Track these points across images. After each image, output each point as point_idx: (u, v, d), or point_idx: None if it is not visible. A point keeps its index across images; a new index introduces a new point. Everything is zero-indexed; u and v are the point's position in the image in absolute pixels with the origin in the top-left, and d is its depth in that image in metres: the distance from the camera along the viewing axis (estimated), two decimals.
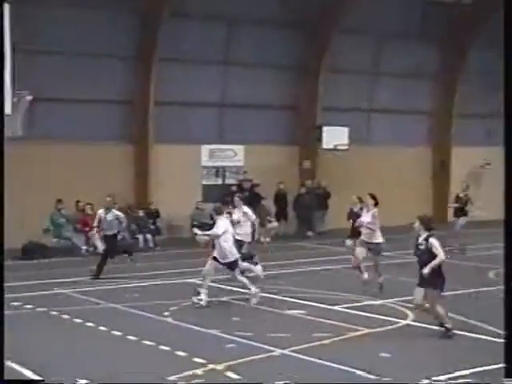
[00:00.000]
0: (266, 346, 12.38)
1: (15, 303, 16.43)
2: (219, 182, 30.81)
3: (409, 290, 13.62)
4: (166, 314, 15.24)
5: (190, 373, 10.99)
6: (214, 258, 16.19)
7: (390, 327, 13.92)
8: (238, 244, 17.57)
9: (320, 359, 11.52)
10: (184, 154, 29.16)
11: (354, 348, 12.37)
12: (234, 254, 16.23)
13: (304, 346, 12.36)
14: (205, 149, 30.33)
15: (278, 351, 12.12)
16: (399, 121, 33.84)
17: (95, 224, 20.88)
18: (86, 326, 14.28)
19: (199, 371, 11.08)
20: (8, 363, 11.40)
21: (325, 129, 31.02)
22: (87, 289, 18.29)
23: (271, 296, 16.99)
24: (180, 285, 18.80)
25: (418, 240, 12.92)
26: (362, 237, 17.20)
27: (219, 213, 16.75)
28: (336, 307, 15.70)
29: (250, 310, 15.78)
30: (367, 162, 32.24)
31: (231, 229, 16.59)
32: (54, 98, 26.42)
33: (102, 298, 16.99)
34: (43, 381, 7.75)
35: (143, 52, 28.14)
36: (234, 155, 30.94)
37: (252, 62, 30.26)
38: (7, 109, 13.08)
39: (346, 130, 31.18)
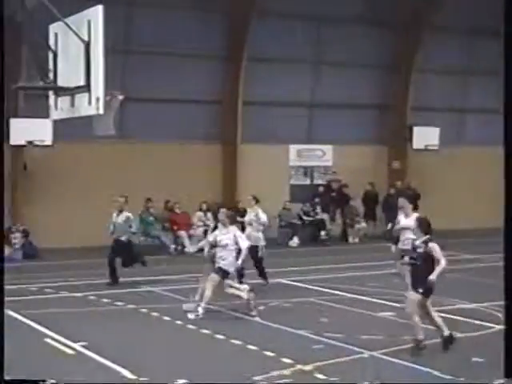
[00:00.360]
0: (355, 348, 12.26)
1: (105, 300, 16.69)
2: (307, 181, 30.72)
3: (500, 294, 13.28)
4: (254, 313, 15.22)
5: (278, 373, 10.95)
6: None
7: (483, 332, 13.63)
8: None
9: (410, 362, 11.35)
10: (272, 154, 29.15)
11: (445, 352, 12.13)
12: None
13: (394, 348, 12.20)
14: (293, 148, 30.28)
15: (367, 353, 11.99)
16: (492, 120, 33.14)
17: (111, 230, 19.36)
18: (175, 324, 14.38)
19: (287, 371, 11.04)
20: (104, 361, 11.62)
21: (415, 129, 30.63)
22: (175, 287, 18.40)
23: (360, 297, 16.83)
24: (268, 284, 18.74)
25: (414, 243, 12.48)
26: None
27: (232, 222, 15.75)
28: None
29: (339, 311, 15.65)
30: (459, 162, 31.68)
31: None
32: (144, 98, 26.72)
33: (189, 297, 17.01)
34: (44, 381, 7.80)
35: (232, 52, 28.24)
36: (322, 155, 30.80)
37: (341, 61, 30.05)
38: (100, 108, 13.27)
39: (436, 130, 30.72)
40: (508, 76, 6.14)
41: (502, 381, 7.40)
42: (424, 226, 12.36)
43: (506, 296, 6.82)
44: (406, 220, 15.44)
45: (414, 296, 11.98)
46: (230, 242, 15.18)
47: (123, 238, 19.10)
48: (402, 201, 15.81)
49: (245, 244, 15.34)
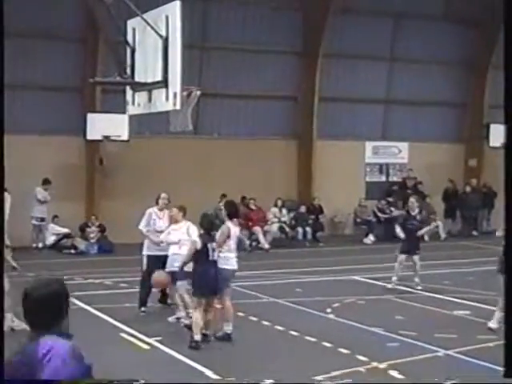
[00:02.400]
0: (430, 346, 12.13)
1: None
2: (383, 178, 30.47)
3: None
4: (329, 310, 15.17)
5: (353, 370, 10.89)
6: None
7: None
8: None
9: (485, 361, 11.17)
10: (348, 150, 29.00)
11: None
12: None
13: (469, 347, 12.05)
14: (369, 145, 30.08)
15: (442, 352, 11.84)
16: None
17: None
18: (249, 320, 14.39)
19: (362, 369, 10.98)
20: (180, 356, 11.68)
21: (492, 126, 30.10)
22: (250, 283, 18.40)
23: (436, 296, 16.63)
24: (342, 281, 18.68)
25: None
26: None
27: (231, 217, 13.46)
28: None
29: (414, 309, 15.49)
30: None
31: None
32: (221, 94, 26.85)
33: (264, 293, 17.07)
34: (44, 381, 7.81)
35: (309, 48, 28.15)
36: (398, 152, 30.53)
37: (418, 58, 29.72)
38: (177, 104, 13.33)
39: None
40: (508, 75, 5.94)
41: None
42: None
43: (506, 295, 6.64)
44: None
45: None
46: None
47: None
48: None
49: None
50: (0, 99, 5.06)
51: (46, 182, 24.16)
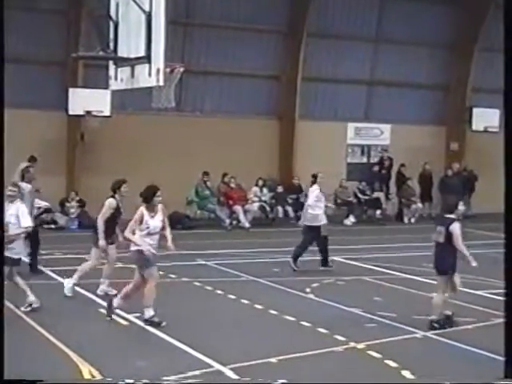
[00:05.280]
0: (408, 328, 12.20)
1: (159, 272, 16.73)
2: (364, 160, 30.49)
3: None
4: (308, 290, 15.20)
5: (331, 350, 10.93)
6: None
7: None
8: None
9: (462, 344, 11.24)
10: (330, 131, 28.97)
11: (498, 335, 11.96)
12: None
13: (448, 330, 12.08)
14: (351, 126, 30.06)
15: (420, 333, 11.91)
16: None
17: None
18: (228, 299, 14.39)
19: (340, 348, 11.03)
20: (157, 332, 11.67)
21: (475, 110, 30.17)
22: (229, 261, 18.43)
23: (415, 278, 16.68)
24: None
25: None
26: None
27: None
28: (480, 292, 15.24)
29: (394, 291, 15.53)
30: None
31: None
32: (203, 71, 26.75)
33: (244, 271, 17.07)
34: (42, 381, 7.83)
35: (293, 27, 28.04)
36: (380, 134, 30.53)
37: (402, 40, 29.65)
38: (160, 80, 13.26)
39: (497, 112, 30.18)
40: (508, 74, 5.91)
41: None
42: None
43: (506, 294, 6.69)
44: None
45: None
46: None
47: None
48: None
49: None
50: (0, 98, 4.99)
51: (32, 159, 24.02)
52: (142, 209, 12.65)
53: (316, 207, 17.84)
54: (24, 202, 13.26)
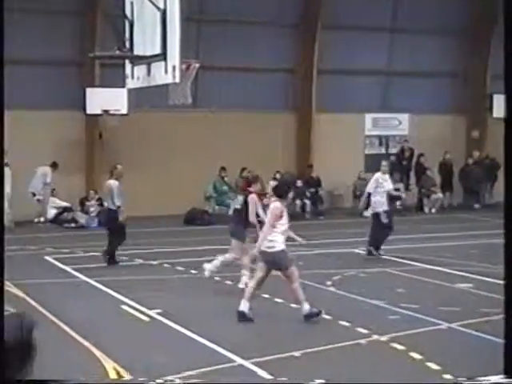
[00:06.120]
0: (432, 319, 12.11)
1: (179, 267, 16.79)
2: (382, 151, 30.36)
3: None
4: (329, 283, 15.16)
5: (354, 343, 10.89)
6: None
7: None
8: None
9: (488, 334, 11.16)
10: (347, 123, 28.86)
11: None
12: None
13: (471, 320, 12.01)
14: (368, 117, 29.95)
15: (445, 325, 11.82)
16: None
17: None
18: None
19: (363, 341, 10.98)
20: (180, 328, 11.68)
21: (495, 97, 29.88)
22: None
23: (438, 268, 16.60)
24: (343, 254, 18.64)
25: None
26: None
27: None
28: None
29: (416, 282, 15.45)
30: None
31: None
32: (219, 67, 26.70)
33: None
34: (43, 381, 7.82)
35: (307, 19, 27.95)
36: (398, 124, 30.40)
37: (418, 29, 29.43)
38: (176, 77, 13.27)
39: None
40: (508, 72, 5.84)
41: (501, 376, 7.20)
42: None
43: (505, 294, 6.62)
44: None
45: None
46: None
47: None
48: None
49: None
50: (0, 97, 4.99)
51: (54, 165, 24.33)
52: (279, 204, 12.19)
53: (376, 194, 17.87)
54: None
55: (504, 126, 7.19)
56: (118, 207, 17.14)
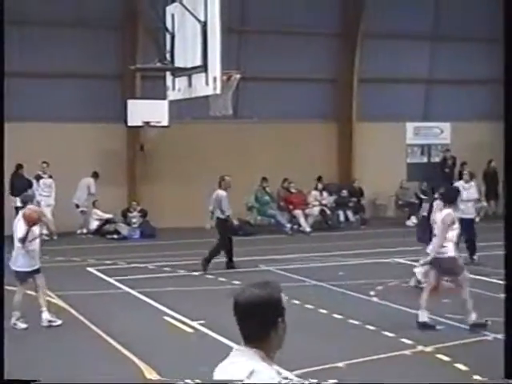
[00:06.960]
0: (478, 330, 11.96)
1: (222, 279, 16.78)
2: (424, 160, 30.16)
3: None
4: (372, 293, 15.07)
5: (399, 353, 10.80)
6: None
7: None
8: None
9: None
10: (388, 132, 28.74)
11: None
12: None
13: None
14: (410, 126, 29.78)
15: (491, 335, 11.68)
16: None
17: None
18: (292, 304, 14.30)
19: (408, 352, 10.89)
20: (223, 339, 11.65)
21: None
22: (292, 266, 18.37)
23: (481, 278, 16.40)
24: (386, 264, 18.53)
25: None
26: None
27: None
28: None
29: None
30: None
31: None
32: (260, 77, 26.73)
33: (307, 276, 16.99)
34: (36, 381, 7.80)
35: (348, 28, 27.91)
36: (440, 133, 30.19)
37: (460, 37, 29.24)
38: (217, 88, 13.28)
39: None
40: (508, 72, 5.73)
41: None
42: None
43: (506, 295, 6.53)
44: None
45: None
46: None
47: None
48: None
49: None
50: (0, 100, 5.03)
51: (96, 174, 24.59)
52: (451, 211, 12.29)
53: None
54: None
55: (504, 131, 7.08)
56: (228, 216, 17.71)
